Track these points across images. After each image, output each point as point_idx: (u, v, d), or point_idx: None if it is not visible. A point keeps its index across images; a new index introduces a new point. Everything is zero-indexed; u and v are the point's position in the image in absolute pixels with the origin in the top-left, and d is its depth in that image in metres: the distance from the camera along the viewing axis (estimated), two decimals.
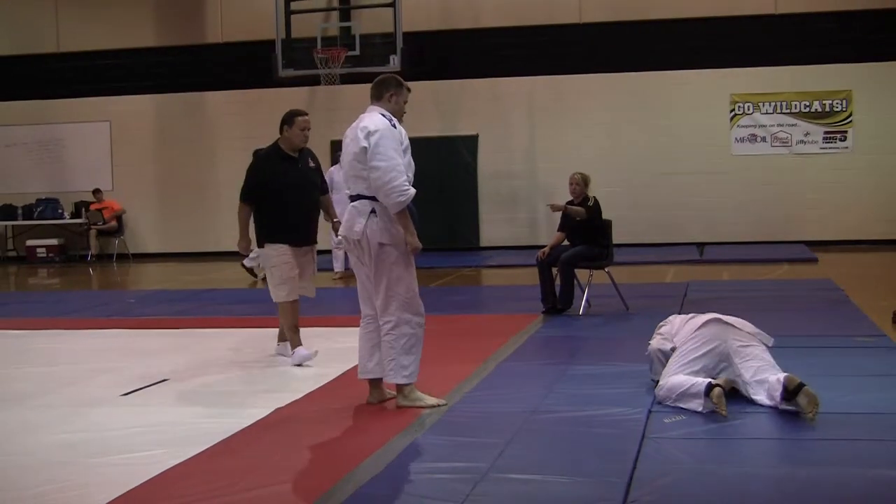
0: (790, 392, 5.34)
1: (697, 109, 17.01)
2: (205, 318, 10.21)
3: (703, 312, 6.11)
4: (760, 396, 5.55)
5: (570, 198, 9.74)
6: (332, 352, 7.73)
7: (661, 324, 6.34)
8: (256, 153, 8.16)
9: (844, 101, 16.73)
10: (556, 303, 9.51)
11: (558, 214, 9.81)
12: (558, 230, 9.89)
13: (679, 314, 6.41)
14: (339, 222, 6.40)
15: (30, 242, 18.96)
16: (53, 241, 18.90)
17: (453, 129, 17.64)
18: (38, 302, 12.61)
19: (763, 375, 5.57)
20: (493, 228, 17.65)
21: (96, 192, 18.53)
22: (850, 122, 16.73)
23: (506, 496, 4.32)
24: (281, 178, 7.48)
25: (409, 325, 5.82)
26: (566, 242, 9.77)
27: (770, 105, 16.91)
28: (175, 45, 18.76)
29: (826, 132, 16.80)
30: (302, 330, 7.61)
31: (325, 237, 8.84)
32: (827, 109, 16.78)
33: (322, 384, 6.74)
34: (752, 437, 5.16)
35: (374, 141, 5.69)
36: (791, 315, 9.02)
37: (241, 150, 17.30)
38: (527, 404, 5.84)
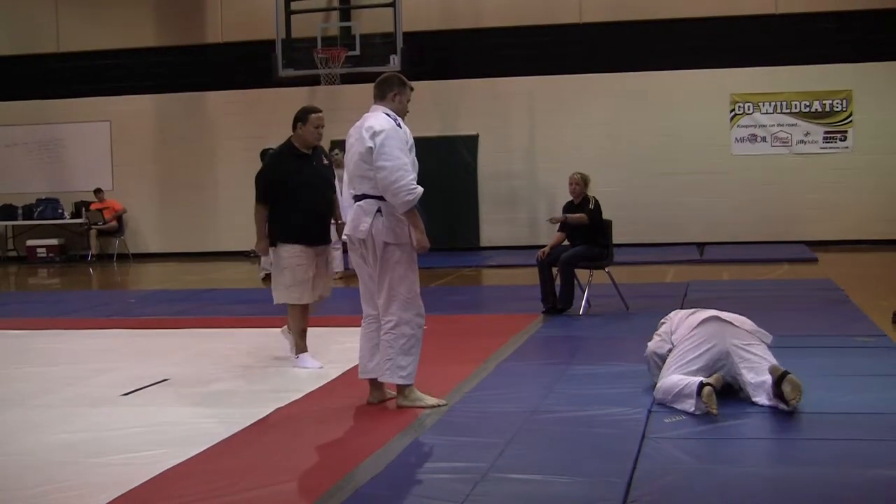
0: (776, 381, 5.36)
1: (697, 109, 17.00)
2: (205, 318, 10.21)
3: (704, 308, 6.11)
4: (761, 398, 5.54)
5: (569, 198, 9.75)
6: (333, 352, 7.73)
7: (662, 321, 6.33)
8: (265, 152, 7.99)
9: (844, 101, 16.73)
10: (557, 303, 9.51)
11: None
12: (558, 230, 9.89)
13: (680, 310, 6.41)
14: (344, 224, 6.35)
15: (30, 242, 18.96)
16: (54, 241, 18.88)
17: (453, 129, 17.64)
18: (39, 302, 12.61)
19: (763, 377, 5.57)
20: (493, 228, 17.65)
21: (97, 191, 18.54)
22: (850, 122, 16.74)
23: (506, 496, 4.32)
24: (295, 177, 7.20)
25: (409, 326, 5.82)
26: (566, 242, 9.78)
27: (770, 105, 16.91)
28: (175, 45, 18.76)
29: (826, 132, 16.80)
30: None
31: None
32: (827, 109, 16.78)
33: (322, 384, 6.74)
34: (752, 437, 5.16)
35: (379, 141, 5.68)
36: (791, 315, 9.01)
37: (241, 150, 17.35)
38: (527, 404, 5.84)
